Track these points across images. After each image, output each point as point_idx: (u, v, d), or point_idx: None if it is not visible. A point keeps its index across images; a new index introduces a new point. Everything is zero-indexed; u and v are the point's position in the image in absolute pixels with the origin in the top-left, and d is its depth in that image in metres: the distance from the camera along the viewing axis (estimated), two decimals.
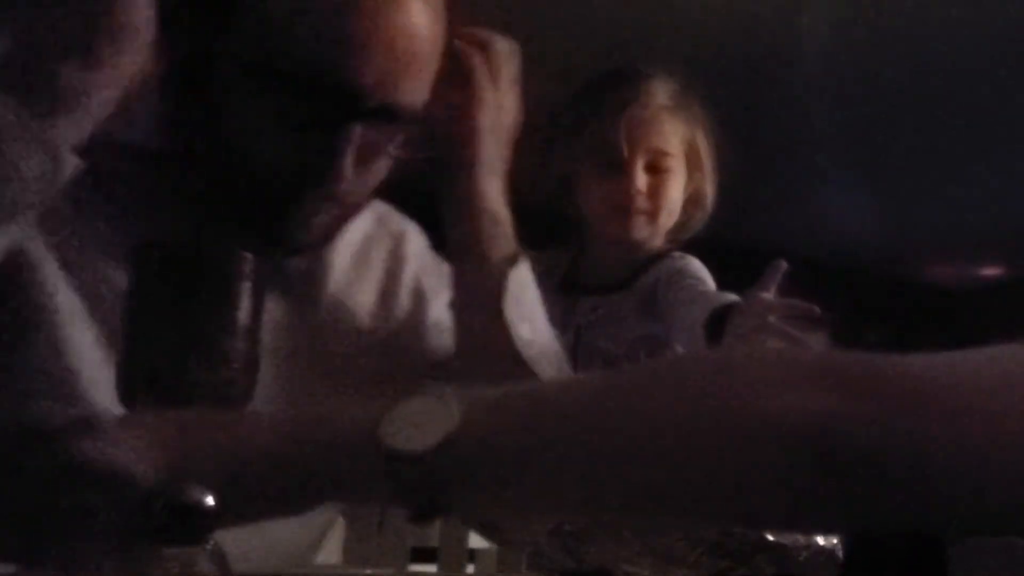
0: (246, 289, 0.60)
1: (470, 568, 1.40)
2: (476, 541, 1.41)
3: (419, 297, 1.06)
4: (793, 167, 4.96)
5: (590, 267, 1.83)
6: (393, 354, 1.02)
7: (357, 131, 0.85)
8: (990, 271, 6.63)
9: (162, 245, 0.63)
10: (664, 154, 1.73)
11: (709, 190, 1.79)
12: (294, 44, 0.82)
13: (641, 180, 1.72)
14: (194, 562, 0.57)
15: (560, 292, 1.82)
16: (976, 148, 4.67)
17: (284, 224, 0.87)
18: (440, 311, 1.05)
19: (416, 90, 0.87)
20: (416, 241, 1.09)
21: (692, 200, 1.78)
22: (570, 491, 0.56)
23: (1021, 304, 6.48)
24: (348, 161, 0.84)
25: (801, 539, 0.63)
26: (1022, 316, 6.69)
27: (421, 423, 0.56)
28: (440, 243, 1.06)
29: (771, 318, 1.42)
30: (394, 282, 1.05)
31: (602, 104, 1.75)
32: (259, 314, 0.61)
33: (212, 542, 0.59)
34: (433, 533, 1.39)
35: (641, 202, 1.73)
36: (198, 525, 0.58)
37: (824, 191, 5.31)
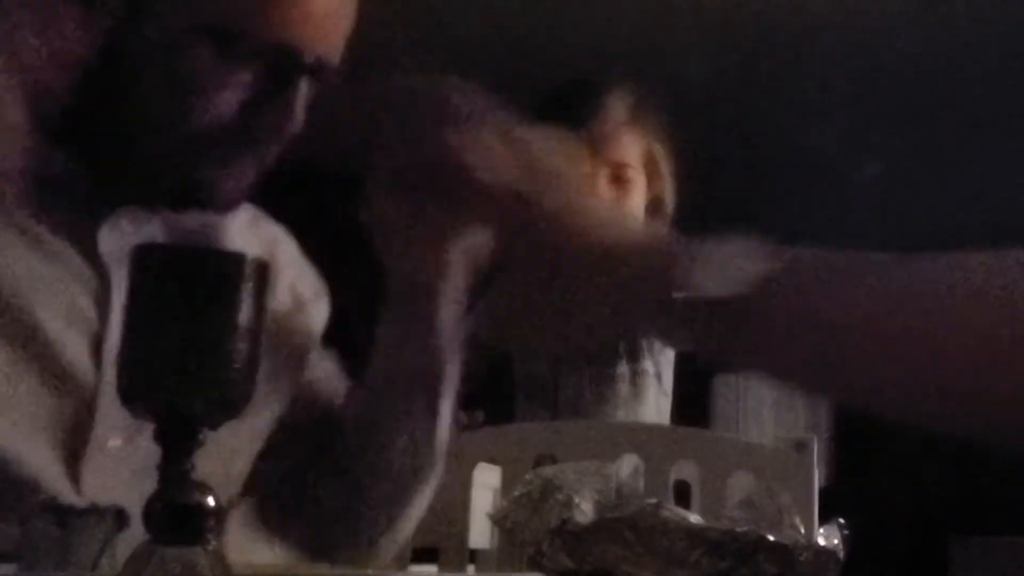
0: (247, 289, 0.60)
1: (470, 568, 1.40)
2: (476, 541, 1.41)
3: (297, 300, 1.06)
4: (793, 167, 4.96)
5: None
6: (276, 344, 1.03)
7: (302, 84, 0.94)
8: None
9: (163, 246, 0.63)
10: (624, 166, 1.80)
11: (668, 197, 1.87)
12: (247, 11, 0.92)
13: (603, 192, 1.78)
14: (194, 562, 0.57)
15: None
16: (977, 147, 4.67)
17: (198, 186, 0.95)
18: (317, 317, 1.07)
19: (336, 47, 0.96)
20: (288, 247, 1.11)
21: (652, 207, 1.85)
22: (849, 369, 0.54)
23: None
24: (298, 111, 0.94)
25: (802, 539, 0.63)
26: None
27: (726, 268, 0.55)
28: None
29: None
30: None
31: (562, 120, 1.80)
32: (260, 314, 0.61)
33: (212, 542, 0.59)
34: (433, 533, 1.39)
35: None
36: (198, 525, 0.58)
37: (825, 191, 5.31)
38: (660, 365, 1.84)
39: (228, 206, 0.98)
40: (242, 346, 0.60)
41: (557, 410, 1.80)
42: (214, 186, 0.96)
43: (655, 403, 1.84)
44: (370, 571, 0.72)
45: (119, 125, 0.95)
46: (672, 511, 0.63)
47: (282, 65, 0.94)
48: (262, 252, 1.05)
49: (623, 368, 1.81)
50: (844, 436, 5.85)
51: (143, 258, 0.61)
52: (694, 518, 0.64)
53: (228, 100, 0.93)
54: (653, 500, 0.65)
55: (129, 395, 0.60)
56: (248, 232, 1.05)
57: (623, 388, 1.81)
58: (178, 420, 0.59)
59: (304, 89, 0.95)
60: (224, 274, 0.60)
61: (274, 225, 1.11)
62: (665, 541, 0.62)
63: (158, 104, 0.93)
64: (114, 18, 0.91)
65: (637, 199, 1.84)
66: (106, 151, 0.95)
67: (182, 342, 0.59)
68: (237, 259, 0.61)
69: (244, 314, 0.60)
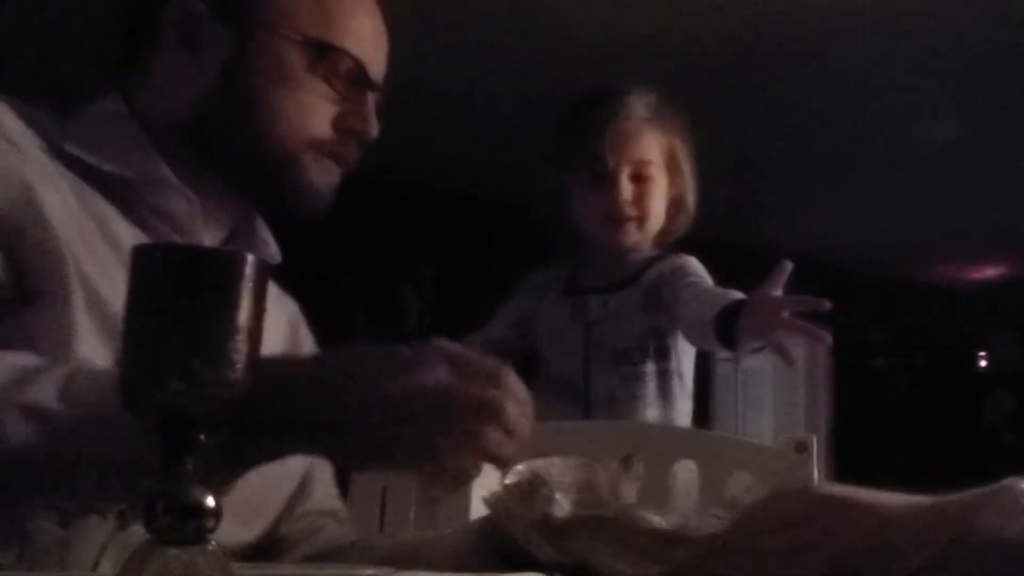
0: (248, 289, 0.61)
1: None
2: None
3: None
4: (796, 169, 4.97)
5: (592, 271, 1.92)
6: None
7: (370, 97, 1.06)
8: (990, 271, 6.64)
9: (163, 246, 0.64)
10: (646, 163, 1.85)
11: (690, 194, 1.90)
12: (332, 29, 1.03)
13: (627, 189, 1.83)
14: (194, 562, 0.57)
15: (568, 295, 1.91)
16: (978, 148, 4.67)
17: (299, 191, 1.04)
18: None
19: (384, 65, 1.09)
20: (303, 323, 1.20)
21: (674, 204, 1.90)
22: None
23: (1021, 304, 6.48)
24: (374, 120, 1.06)
25: None
26: (1022, 316, 6.69)
27: None
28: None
29: (784, 313, 1.50)
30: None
31: (586, 122, 1.87)
32: (260, 314, 0.62)
33: (212, 542, 0.59)
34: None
35: (628, 210, 1.84)
36: (198, 525, 0.59)
37: (826, 192, 5.32)
38: (682, 364, 1.87)
39: (323, 210, 1.06)
40: (242, 346, 0.60)
41: (589, 409, 1.83)
42: (314, 190, 1.05)
43: (680, 402, 1.86)
44: (370, 571, 0.72)
45: (240, 136, 1.02)
46: (647, 512, 0.64)
47: (358, 77, 1.05)
48: (288, 327, 1.15)
49: (651, 367, 1.83)
50: (844, 436, 5.86)
51: (144, 258, 0.61)
52: (663, 519, 0.65)
53: (322, 108, 1.03)
54: (629, 502, 0.66)
55: (130, 395, 0.61)
56: (272, 306, 1.09)
57: (651, 387, 1.83)
58: (178, 420, 0.60)
59: (372, 101, 1.06)
60: (224, 274, 0.60)
61: (289, 298, 1.18)
62: (643, 538, 0.63)
63: (271, 111, 1.02)
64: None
65: (659, 197, 1.87)
66: (229, 161, 1.04)
67: (183, 342, 0.59)
68: (237, 259, 0.61)
69: (244, 314, 0.60)
